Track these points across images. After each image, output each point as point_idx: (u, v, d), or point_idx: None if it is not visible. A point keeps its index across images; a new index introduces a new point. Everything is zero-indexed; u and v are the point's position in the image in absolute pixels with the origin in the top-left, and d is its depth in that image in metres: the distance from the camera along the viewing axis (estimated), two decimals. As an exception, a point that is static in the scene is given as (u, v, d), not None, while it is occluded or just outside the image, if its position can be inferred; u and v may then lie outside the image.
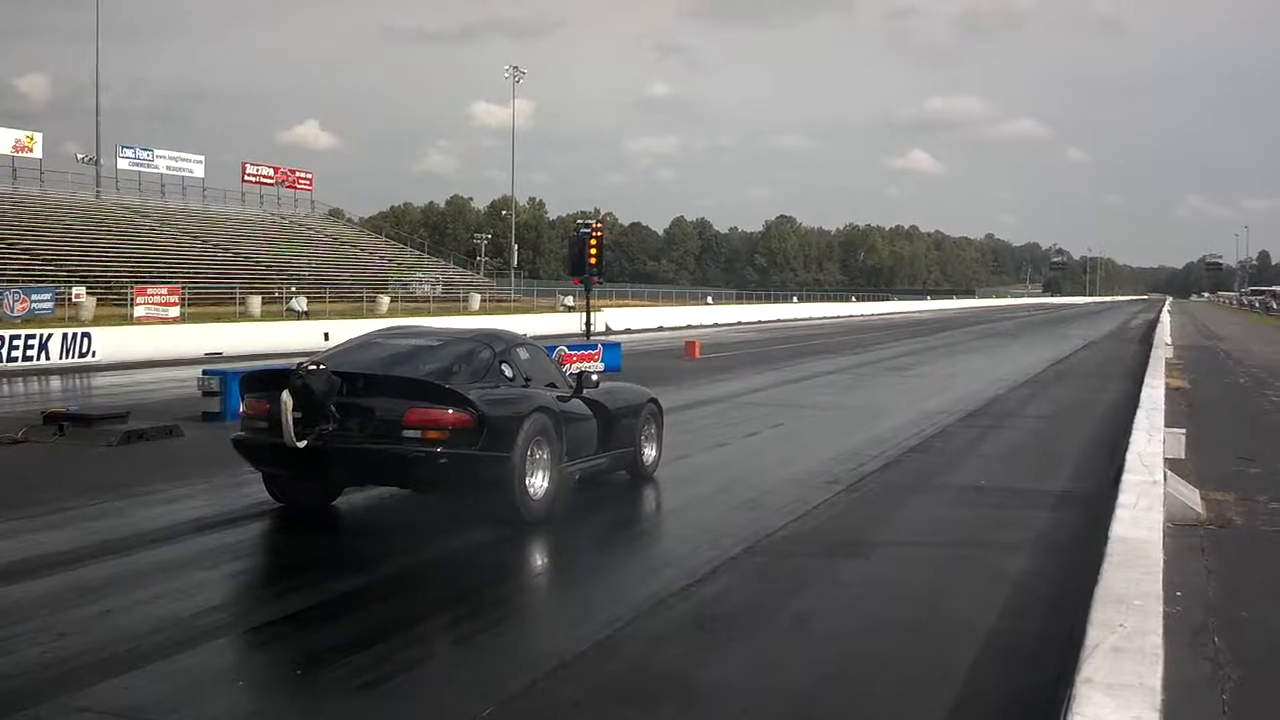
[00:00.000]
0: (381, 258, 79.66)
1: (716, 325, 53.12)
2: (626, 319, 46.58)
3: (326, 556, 8.25)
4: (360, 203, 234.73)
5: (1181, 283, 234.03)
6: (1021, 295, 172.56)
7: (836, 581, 7.76)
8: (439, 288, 71.04)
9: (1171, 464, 9.99)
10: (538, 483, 8.88)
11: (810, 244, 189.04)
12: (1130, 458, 7.82)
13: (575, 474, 9.64)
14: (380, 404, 8.39)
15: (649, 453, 11.28)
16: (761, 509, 9.94)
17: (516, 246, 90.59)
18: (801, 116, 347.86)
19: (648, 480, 11.16)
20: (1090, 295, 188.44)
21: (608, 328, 41.23)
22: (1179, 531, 8.76)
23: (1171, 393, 17.73)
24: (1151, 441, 8.88)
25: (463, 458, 8.27)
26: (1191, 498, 9.70)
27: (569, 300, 55.37)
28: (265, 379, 9.25)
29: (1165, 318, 52.08)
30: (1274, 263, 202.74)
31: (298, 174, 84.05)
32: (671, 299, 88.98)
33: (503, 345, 9.74)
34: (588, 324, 29.18)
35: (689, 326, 48.72)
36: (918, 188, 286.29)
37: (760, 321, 59.55)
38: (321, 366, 8.38)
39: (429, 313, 49.04)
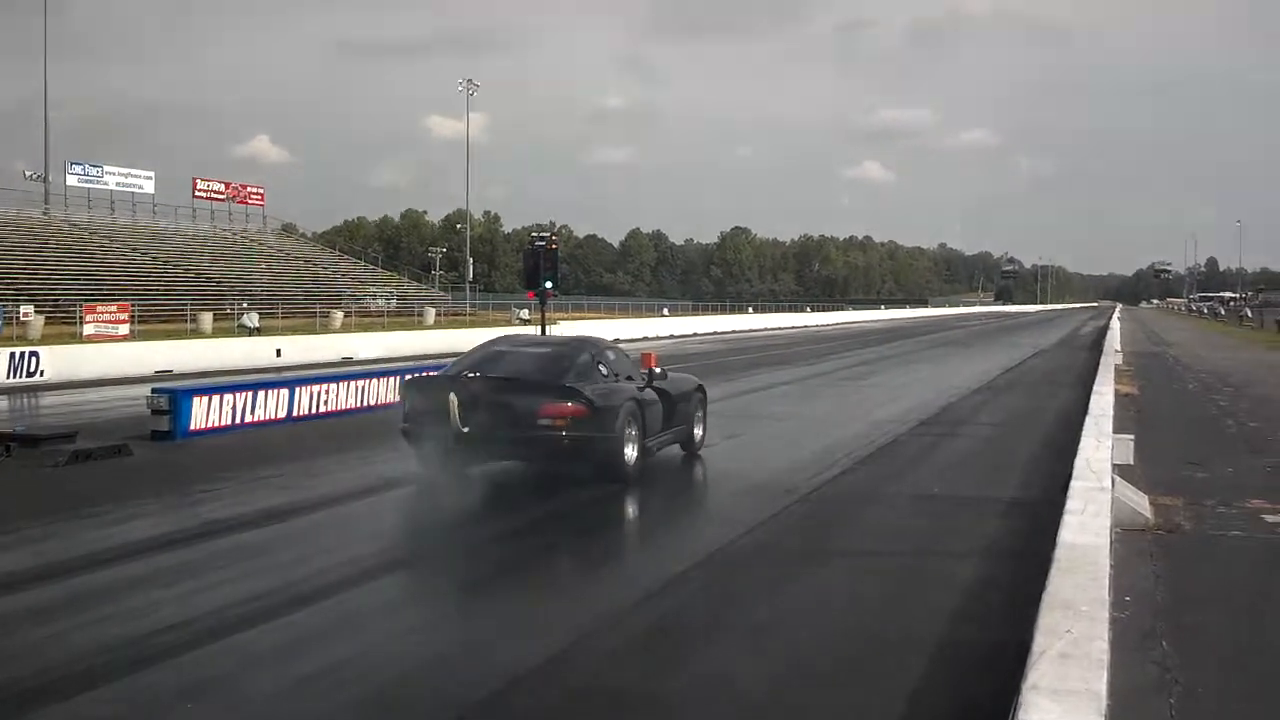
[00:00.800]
0: (335, 273, 79.13)
1: (673, 337, 53.12)
2: (583, 331, 46.50)
3: (279, 571, 8.17)
4: (313, 217, 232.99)
5: (1131, 290, 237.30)
6: (974, 304, 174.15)
7: (792, 592, 7.80)
8: (393, 302, 70.65)
9: (1120, 470, 10.13)
10: (630, 454, 11.48)
11: (765, 255, 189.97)
12: (1079, 464, 7.91)
13: (652, 447, 12.16)
14: (519, 400, 11.02)
15: (698, 431, 13.81)
16: (718, 520, 10.00)
17: (471, 260, 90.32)
18: (756, 128, 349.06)
19: (696, 455, 13.49)
20: (1041, 303, 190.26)
21: (563, 341, 41.18)
22: (1128, 537, 8.87)
23: (1121, 399, 17.97)
24: (1100, 448, 8.98)
25: (581, 439, 10.90)
26: (1140, 503, 9.83)
27: (524, 313, 55.20)
28: (425, 382, 12.29)
29: (1115, 325, 52.69)
30: (1222, 269, 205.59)
31: (249, 189, 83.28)
32: (628, 311, 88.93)
33: (596, 349, 12.41)
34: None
35: (645, 339, 48.64)
36: (871, 198, 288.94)
37: (716, 333, 59.63)
38: (478, 374, 11.46)
39: (384, 328, 48.77)
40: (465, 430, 10.79)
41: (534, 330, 25.68)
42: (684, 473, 13.13)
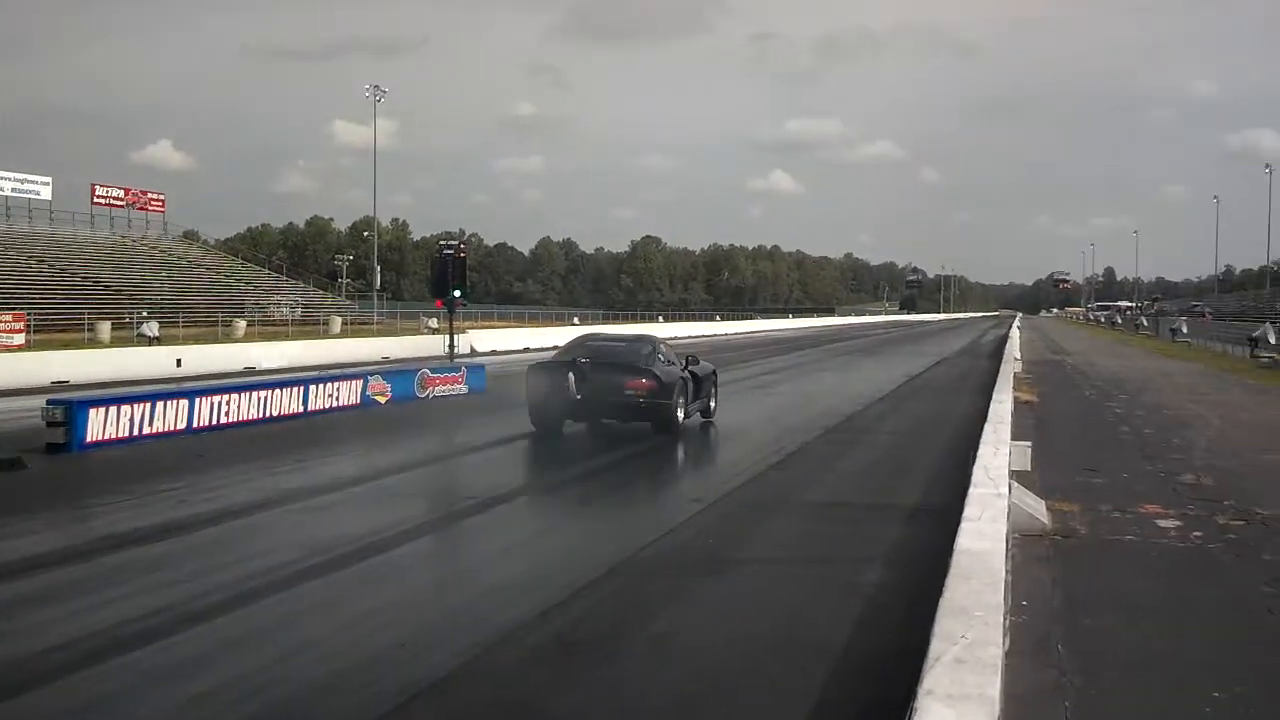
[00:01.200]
0: (238, 281, 77.71)
1: (582, 346, 53.13)
2: (492, 340, 46.12)
3: (175, 587, 7.98)
4: (216, 224, 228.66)
5: (1031, 299, 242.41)
6: (879, 312, 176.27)
7: (696, 600, 7.83)
8: (298, 310, 69.51)
9: (1019, 476, 10.33)
10: (680, 415, 16.35)
11: (676, 264, 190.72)
12: (976, 471, 8.04)
13: (691, 413, 17.07)
14: (613, 377, 15.76)
15: (712, 404, 18.48)
16: (624, 530, 9.99)
17: (379, 268, 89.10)
18: (666, 137, 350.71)
19: (711, 423, 18.01)
20: (945, 312, 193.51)
21: (472, 349, 40.80)
22: (1026, 542, 9.06)
23: (1020, 406, 18.37)
24: (998, 455, 9.15)
25: (651, 404, 15.74)
26: (1038, 509, 10.05)
27: (433, 322, 54.62)
28: (547, 365, 16.69)
29: (1015, 334, 53.77)
30: (1119, 279, 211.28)
31: (150, 195, 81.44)
32: (538, 320, 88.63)
33: (654, 343, 17.43)
34: (450, 346, 28.83)
35: (555, 348, 48.31)
36: (779, 208, 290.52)
37: (626, 341, 59.79)
38: (586, 360, 15.87)
39: (288, 337, 47.91)
40: (579, 397, 15.55)
41: (441, 339, 25.59)
42: (589, 482, 13.13)
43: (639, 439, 15.85)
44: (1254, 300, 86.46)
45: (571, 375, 15.61)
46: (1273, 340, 39.33)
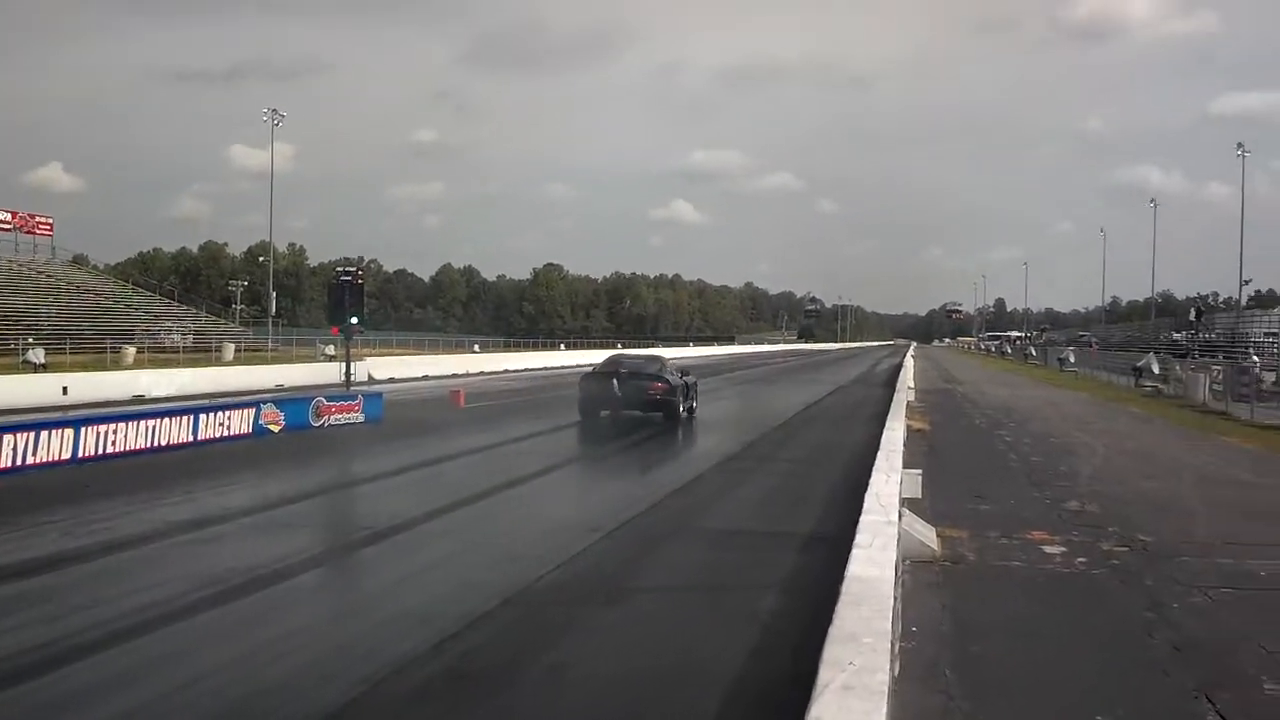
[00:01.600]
0: (128, 306, 75.75)
1: (484, 374, 52.66)
2: (391, 368, 45.60)
3: (57, 622, 7.73)
4: (107, 249, 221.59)
5: (925, 329, 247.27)
6: (779, 341, 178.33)
7: (592, 629, 7.82)
8: (190, 337, 67.95)
9: (910, 503, 10.53)
10: (683, 410, 23.97)
11: (578, 292, 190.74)
12: (868, 499, 8.16)
13: (685, 408, 24.42)
14: (641, 382, 22.99)
15: (695, 404, 25.78)
16: (521, 560, 9.93)
17: (275, 294, 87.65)
18: (569, 165, 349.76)
19: (692, 417, 24.83)
20: (841, 341, 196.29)
21: (370, 377, 40.28)
22: (916, 569, 9.23)
23: (913, 435, 18.71)
24: (889, 482, 9.30)
25: (665, 400, 23.04)
26: (928, 535, 10.24)
27: (330, 349, 53.84)
28: (595, 374, 24.03)
29: (909, 363, 54.76)
30: (1009, 309, 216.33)
31: (37, 218, 79.13)
32: (438, 347, 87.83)
33: (663, 362, 25.66)
34: (347, 374, 28.44)
35: (455, 375, 48.13)
36: (681, 237, 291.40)
37: (528, 369, 59.43)
38: (625, 371, 23.36)
39: (179, 364, 46.84)
40: (619, 394, 22.80)
41: (338, 366, 25.57)
42: (487, 513, 13.07)
43: (544, 466, 15.79)
44: (1139, 331, 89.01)
45: (615, 381, 23.17)
46: (1156, 370, 40.64)
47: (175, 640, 7.43)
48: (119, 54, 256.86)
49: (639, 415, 23.09)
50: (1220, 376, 31.98)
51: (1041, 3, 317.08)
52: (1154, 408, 31.66)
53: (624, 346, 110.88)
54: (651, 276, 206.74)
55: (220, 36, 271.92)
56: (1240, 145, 75.97)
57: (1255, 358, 39.48)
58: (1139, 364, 43.16)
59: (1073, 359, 64.27)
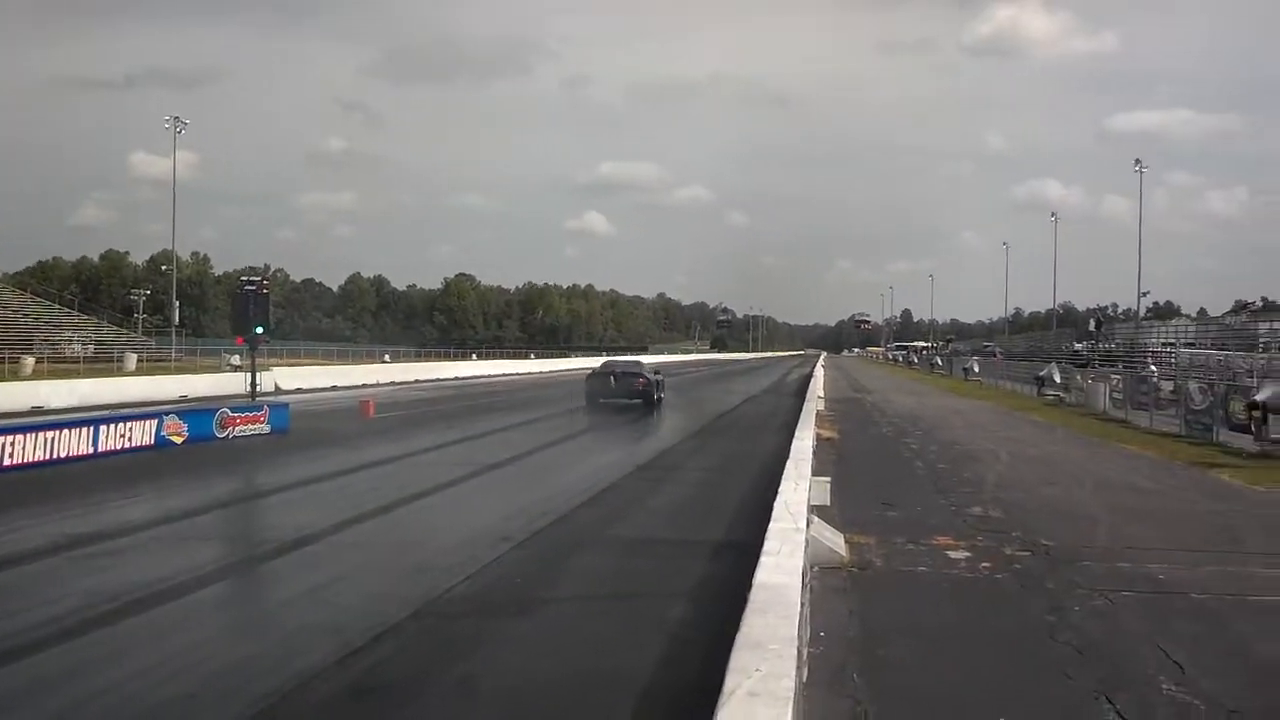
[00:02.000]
0: (26, 316, 73.64)
1: (394, 384, 52.04)
2: (298, 378, 44.85)
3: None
4: (5, 258, 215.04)
5: (834, 339, 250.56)
6: (691, 351, 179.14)
7: (502, 640, 7.76)
8: (91, 347, 66.27)
9: (819, 510, 10.63)
10: (657, 398, 34.30)
11: (490, 302, 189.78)
12: (777, 506, 8.22)
13: (658, 397, 34.49)
14: (630, 379, 34.43)
15: (665, 396, 36.15)
16: (430, 571, 9.83)
17: (178, 303, 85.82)
18: (482, 177, 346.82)
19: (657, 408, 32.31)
20: (753, 351, 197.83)
21: (277, 387, 39.63)
22: (825, 575, 9.32)
23: (822, 443, 18.92)
24: (798, 490, 9.37)
25: (646, 392, 33.85)
26: (836, 542, 10.35)
27: (235, 359, 52.84)
28: (598, 373, 35.01)
29: (819, 372, 55.36)
30: (916, 320, 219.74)
31: (-72, 224, 76.83)
32: (348, 357, 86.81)
33: (642, 365, 39.31)
34: (253, 384, 27.88)
35: (365, 385, 47.50)
36: (594, 248, 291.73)
37: (439, 379, 58.86)
38: (617, 371, 35.48)
39: (79, 374, 45.60)
40: (615, 387, 33.03)
41: (244, 377, 24.85)
42: (395, 524, 12.93)
43: (455, 476, 15.67)
44: (1041, 341, 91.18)
45: (611, 378, 33.60)
46: (1058, 379, 41.58)
47: (68, 659, 7.21)
48: (14, 60, 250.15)
49: (623, 403, 32.46)
50: (1120, 385, 32.85)
51: (948, 24, 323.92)
52: (1056, 416, 32.37)
53: (537, 356, 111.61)
54: (565, 287, 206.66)
55: (119, 44, 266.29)
56: (1138, 161, 78.36)
57: (1153, 367, 40.66)
58: (1041, 373, 44.11)
59: (977, 368, 65.49)
